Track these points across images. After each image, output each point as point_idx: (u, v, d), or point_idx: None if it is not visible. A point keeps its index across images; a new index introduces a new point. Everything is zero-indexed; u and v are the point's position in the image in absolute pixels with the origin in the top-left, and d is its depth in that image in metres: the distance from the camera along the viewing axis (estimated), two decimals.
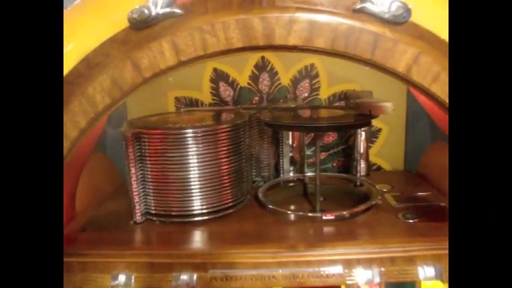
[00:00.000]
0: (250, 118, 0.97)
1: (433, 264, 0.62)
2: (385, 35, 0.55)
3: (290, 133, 1.07)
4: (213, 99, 1.13)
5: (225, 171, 0.88)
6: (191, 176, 0.85)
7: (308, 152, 1.13)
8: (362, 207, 0.83)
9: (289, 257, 0.63)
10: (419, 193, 0.95)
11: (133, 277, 0.63)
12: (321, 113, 1.02)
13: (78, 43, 0.58)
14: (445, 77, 0.56)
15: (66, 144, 0.58)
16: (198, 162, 0.85)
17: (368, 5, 0.54)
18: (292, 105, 1.06)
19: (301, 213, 0.85)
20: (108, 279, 0.63)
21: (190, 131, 0.84)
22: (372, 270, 0.62)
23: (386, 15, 0.55)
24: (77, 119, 0.58)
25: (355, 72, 1.09)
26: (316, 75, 1.12)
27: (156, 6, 0.54)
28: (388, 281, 0.62)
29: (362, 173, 1.08)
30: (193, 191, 0.86)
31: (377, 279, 0.62)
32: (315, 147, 1.09)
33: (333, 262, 0.62)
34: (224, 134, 0.87)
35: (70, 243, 0.71)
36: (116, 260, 0.65)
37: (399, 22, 0.55)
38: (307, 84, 1.13)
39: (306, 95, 1.13)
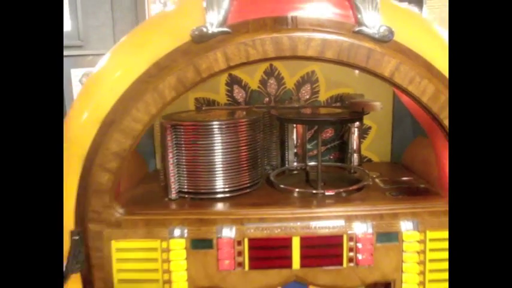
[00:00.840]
0: (262, 116, 1.21)
1: (412, 219, 0.87)
2: (375, 49, 0.80)
3: (295, 130, 1.32)
4: (228, 100, 1.36)
5: (243, 157, 1.10)
6: (216, 160, 1.07)
7: (309, 146, 1.38)
8: (356, 186, 1.08)
9: (304, 214, 0.87)
10: (403, 178, 1.20)
11: (186, 230, 0.86)
12: (321, 111, 1.26)
13: (149, 52, 0.82)
14: (418, 80, 0.81)
15: (139, 127, 0.82)
16: (222, 149, 1.07)
17: (363, 28, 0.79)
18: (296, 105, 1.31)
19: (307, 190, 1.09)
20: (166, 232, 0.86)
21: (216, 123, 1.07)
22: (366, 224, 0.86)
23: (377, 36, 0.80)
24: (149, 108, 0.81)
25: (349, 78, 1.34)
26: (316, 81, 1.37)
27: (212, 26, 0.78)
28: (378, 231, 0.86)
29: (355, 164, 1.33)
30: (218, 173, 1.08)
31: (370, 231, 0.86)
32: (316, 141, 1.34)
33: (337, 217, 0.87)
34: (244, 127, 1.10)
35: (130, 205, 0.94)
36: (171, 217, 0.88)
37: (385, 40, 0.80)
38: (308, 88, 1.38)
39: (308, 97, 1.38)
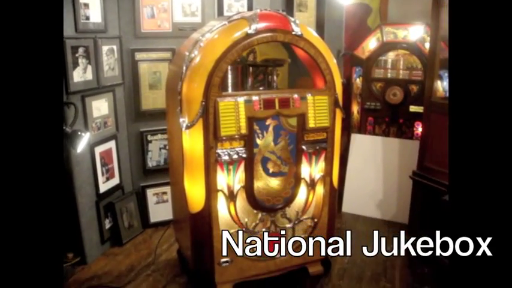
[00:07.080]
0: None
1: (310, 92, 3.22)
2: (298, 39, 3.11)
3: (250, 72, 3.56)
4: None
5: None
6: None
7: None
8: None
9: (278, 92, 3.14)
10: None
11: (243, 98, 3.03)
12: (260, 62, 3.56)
13: (231, 37, 2.96)
14: (310, 48, 3.14)
15: (229, 62, 2.95)
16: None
17: (294, 32, 3.09)
18: (249, 63, 3.56)
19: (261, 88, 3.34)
20: (237, 98, 3.01)
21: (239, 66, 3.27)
22: (296, 94, 3.16)
23: (298, 34, 3.10)
24: (234, 55, 2.96)
25: (268, 50, 3.64)
26: (255, 52, 3.63)
27: (252, 30, 2.97)
28: (300, 96, 3.18)
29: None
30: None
31: (297, 96, 3.17)
32: (256, 79, 3.60)
33: (287, 92, 3.16)
34: (240, 67, 3.33)
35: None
36: (238, 94, 3.03)
37: (301, 36, 3.12)
38: (252, 55, 3.62)
39: (252, 59, 3.62)
